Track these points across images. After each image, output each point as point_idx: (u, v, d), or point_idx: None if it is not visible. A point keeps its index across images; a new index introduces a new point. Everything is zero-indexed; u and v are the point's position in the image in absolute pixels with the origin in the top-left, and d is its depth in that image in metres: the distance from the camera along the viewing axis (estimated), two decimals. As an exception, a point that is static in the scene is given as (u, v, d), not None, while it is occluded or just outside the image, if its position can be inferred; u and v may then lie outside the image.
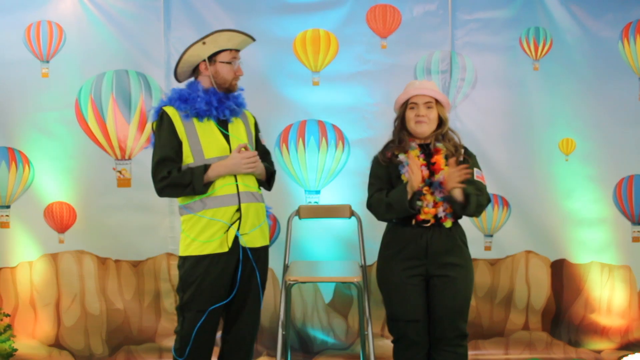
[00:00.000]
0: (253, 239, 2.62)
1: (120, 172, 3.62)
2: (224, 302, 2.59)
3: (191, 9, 3.62)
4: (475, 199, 2.53)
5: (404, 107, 2.66)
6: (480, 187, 2.60)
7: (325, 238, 3.69)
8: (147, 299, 3.66)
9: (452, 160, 2.53)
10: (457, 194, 2.51)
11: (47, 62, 3.59)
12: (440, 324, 2.61)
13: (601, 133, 3.73)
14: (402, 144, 2.64)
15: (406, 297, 2.61)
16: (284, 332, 2.95)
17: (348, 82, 3.68)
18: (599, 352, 3.72)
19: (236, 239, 2.56)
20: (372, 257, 3.61)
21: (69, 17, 3.58)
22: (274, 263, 3.65)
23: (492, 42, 3.70)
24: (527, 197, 3.73)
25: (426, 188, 2.58)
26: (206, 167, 2.51)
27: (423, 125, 2.60)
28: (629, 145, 3.74)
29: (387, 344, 3.66)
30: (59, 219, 3.63)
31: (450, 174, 2.49)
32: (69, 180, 3.62)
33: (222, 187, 2.56)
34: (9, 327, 3.56)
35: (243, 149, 2.55)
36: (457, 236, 2.64)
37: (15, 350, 3.53)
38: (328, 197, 3.69)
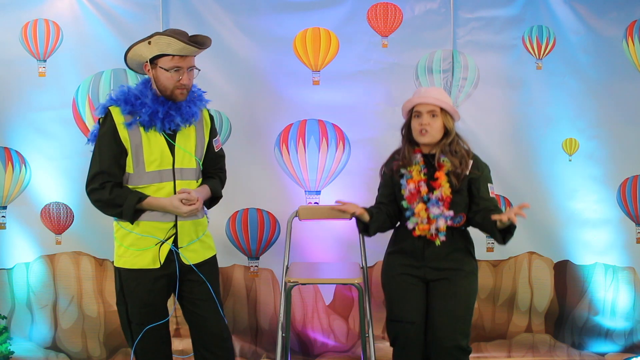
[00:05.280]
0: (193, 253, 2.49)
1: (118, 172, 3.58)
2: (164, 320, 2.49)
3: (190, 8, 3.58)
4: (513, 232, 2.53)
5: (410, 115, 2.64)
6: (496, 205, 2.62)
7: (326, 239, 3.66)
8: (145, 301, 3.63)
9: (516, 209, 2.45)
10: (504, 223, 2.45)
11: (44, 60, 3.55)
12: (436, 331, 2.52)
13: (605, 133, 3.69)
14: (406, 156, 2.63)
15: (405, 297, 2.59)
16: (283, 335, 2.92)
17: (349, 82, 3.64)
18: (603, 354, 3.69)
19: (171, 254, 2.44)
20: (373, 258, 3.61)
21: (67, 16, 3.55)
22: (274, 264, 3.64)
23: (495, 40, 3.66)
24: (530, 197, 3.67)
25: (421, 205, 2.55)
26: (140, 199, 2.36)
27: (426, 136, 2.55)
28: (633, 145, 3.70)
29: (387, 347, 3.60)
30: (56, 220, 3.59)
31: (509, 212, 2.42)
32: (66, 180, 3.58)
33: None
34: (5, 329, 3.53)
35: (184, 199, 2.37)
36: (461, 243, 2.61)
37: (12, 352, 3.51)
38: (328, 198, 3.65)
